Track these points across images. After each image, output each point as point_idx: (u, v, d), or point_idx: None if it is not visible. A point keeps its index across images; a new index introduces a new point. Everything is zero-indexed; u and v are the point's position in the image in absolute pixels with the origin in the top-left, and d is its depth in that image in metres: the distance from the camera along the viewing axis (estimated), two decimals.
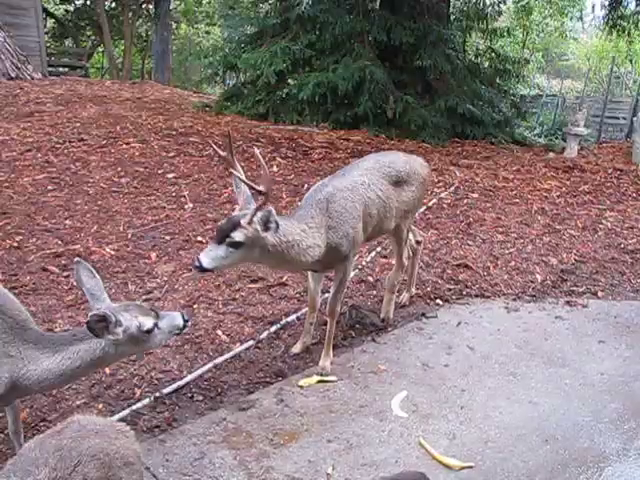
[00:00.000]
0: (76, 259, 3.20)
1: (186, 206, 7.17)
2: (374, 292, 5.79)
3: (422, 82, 13.50)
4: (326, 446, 3.74)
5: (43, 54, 17.59)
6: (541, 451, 3.78)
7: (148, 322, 3.04)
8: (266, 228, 3.78)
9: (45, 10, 21.46)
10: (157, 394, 4.12)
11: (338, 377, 4.41)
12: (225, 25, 18.85)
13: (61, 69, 19.80)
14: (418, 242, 5.59)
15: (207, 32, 30.70)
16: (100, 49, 28.99)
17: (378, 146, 11.29)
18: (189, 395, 4.20)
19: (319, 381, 4.41)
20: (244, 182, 3.82)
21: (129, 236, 6.37)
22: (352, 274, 6.03)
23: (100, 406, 4.02)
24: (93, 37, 28.31)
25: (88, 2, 26.99)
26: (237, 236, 3.71)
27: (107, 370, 4.32)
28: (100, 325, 2.85)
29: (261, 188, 3.74)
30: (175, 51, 27.97)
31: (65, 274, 5.61)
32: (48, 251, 5.98)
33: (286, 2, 14.10)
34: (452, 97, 12.98)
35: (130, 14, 25.49)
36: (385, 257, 6.57)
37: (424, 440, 3.79)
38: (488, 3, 14.99)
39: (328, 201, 4.20)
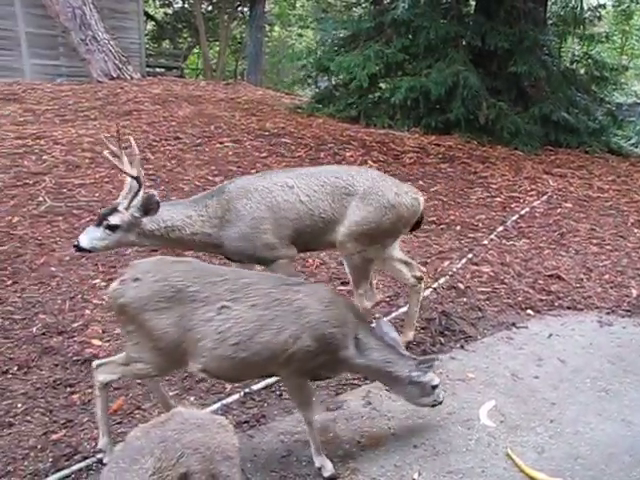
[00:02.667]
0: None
1: None
2: (464, 299, 5.73)
3: (516, 88, 13.23)
4: (412, 451, 3.73)
5: (142, 55, 18.11)
6: (635, 472, 3.65)
7: (436, 379, 3.74)
8: (146, 212, 4.02)
9: (146, 13, 22.08)
10: (247, 390, 4.20)
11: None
12: (318, 28, 18.98)
13: (158, 69, 20.31)
14: (417, 278, 4.86)
15: (300, 35, 30.95)
16: (196, 50, 29.62)
17: (470, 152, 11.17)
18: (278, 393, 4.26)
19: None
20: (117, 167, 4.08)
21: None
22: (442, 280, 6.00)
23: (192, 399, 4.13)
24: (190, 39, 28.95)
25: (186, 5, 27.64)
26: (113, 219, 4.00)
27: None
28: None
29: (132, 172, 4.02)
30: (268, 53, 28.31)
31: None
32: None
33: (380, 6, 14.11)
34: (546, 104, 12.67)
35: (226, 17, 25.94)
36: (476, 264, 6.48)
37: (512, 451, 3.73)
38: (586, 8, 14.59)
39: (232, 195, 4.29)
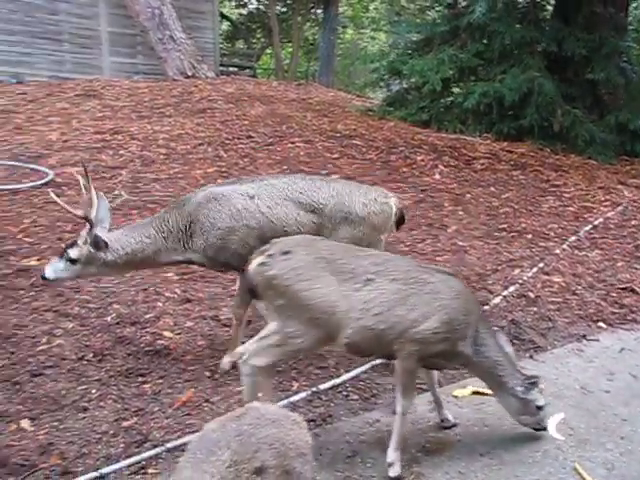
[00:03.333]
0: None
1: None
2: (534, 309, 5.64)
3: (592, 96, 12.95)
4: (478, 459, 3.69)
5: (217, 55, 18.40)
6: None
7: (541, 400, 3.78)
8: (98, 248, 4.09)
9: (221, 13, 22.40)
10: (314, 389, 4.22)
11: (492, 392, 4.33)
12: (391, 31, 18.94)
13: (231, 69, 20.58)
14: None
15: (372, 37, 30.96)
16: (268, 51, 29.94)
17: (542, 160, 10.99)
18: (344, 393, 4.27)
19: (473, 392, 4.36)
20: (64, 208, 4.17)
21: None
22: (512, 288, 5.92)
23: (259, 395, 4.16)
24: (263, 39, 29.28)
25: (261, 6, 27.96)
26: (72, 253, 4.11)
27: None
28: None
29: (78, 212, 4.13)
30: (340, 55, 28.40)
31: None
32: None
33: (455, 9, 14.00)
34: (623, 112, 12.35)
35: (299, 18, 26.13)
36: (547, 274, 6.38)
37: (580, 466, 3.65)
38: None
39: (193, 207, 4.26)
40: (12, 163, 8.03)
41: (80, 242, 4.15)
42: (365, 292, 3.39)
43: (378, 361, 4.56)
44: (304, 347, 3.51)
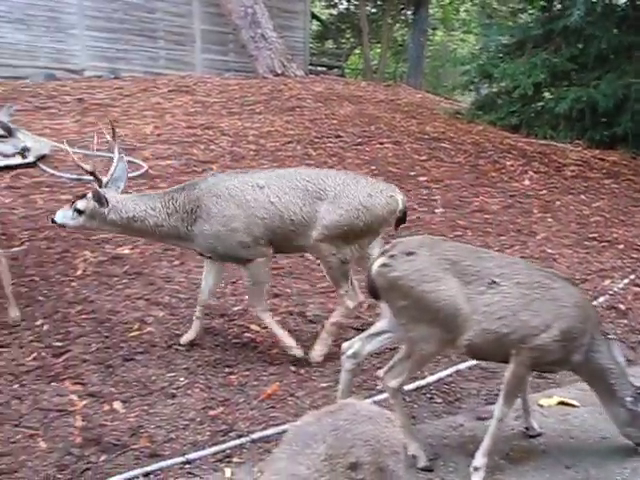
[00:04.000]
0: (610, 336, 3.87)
1: (437, 210, 7.24)
2: (625, 321, 5.49)
3: None
4: (563, 472, 3.61)
5: (306, 54, 18.55)
6: None
7: None
8: (100, 204, 4.33)
9: (312, 13, 22.56)
10: None
11: (580, 403, 4.23)
12: (482, 34, 18.68)
13: (320, 68, 20.70)
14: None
15: (462, 40, 30.62)
16: (357, 51, 29.97)
17: (636, 169, 10.66)
18: (428, 396, 4.26)
19: (559, 402, 4.28)
20: (75, 161, 4.55)
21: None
22: (602, 299, 5.77)
23: (339, 393, 4.18)
24: (352, 40, 29.33)
25: (351, 7, 28.02)
26: (79, 204, 4.41)
27: None
28: None
29: (87, 167, 4.42)
30: (429, 57, 28.18)
31: (319, 262, 5.89)
32: None
33: (550, 13, 13.70)
34: None
35: (389, 19, 26.06)
36: (638, 285, 6.19)
37: None
38: None
39: (203, 192, 4.37)
40: (109, 155, 8.28)
41: (89, 196, 4.39)
42: (489, 295, 3.37)
43: (463, 366, 4.54)
44: (431, 351, 3.52)
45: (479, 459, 3.47)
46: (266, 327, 4.81)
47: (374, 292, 3.56)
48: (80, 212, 4.42)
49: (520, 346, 3.39)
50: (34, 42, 15.23)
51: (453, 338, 3.44)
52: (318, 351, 4.53)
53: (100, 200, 4.34)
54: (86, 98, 11.84)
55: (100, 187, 4.41)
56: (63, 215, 4.49)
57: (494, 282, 3.38)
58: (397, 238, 3.82)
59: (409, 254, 3.41)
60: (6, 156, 5.49)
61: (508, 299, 3.36)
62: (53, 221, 4.55)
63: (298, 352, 4.52)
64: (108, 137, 4.78)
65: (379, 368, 4.40)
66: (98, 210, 4.38)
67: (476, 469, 3.44)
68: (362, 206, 4.34)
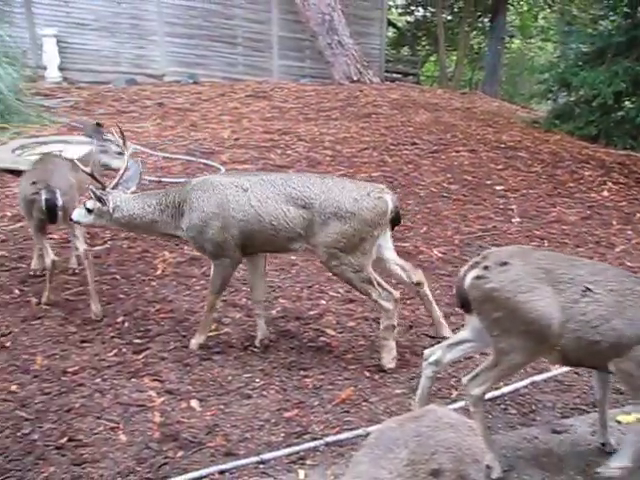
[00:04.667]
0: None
1: (513, 220, 7.15)
2: None
3: None
4: None
5: (382, 61, 18.57)
6: None
7: None
8: (102, 204, 4.59)
9: (388, 20, 22.55)
10: None
11: None
12: (561, 41, 18.36)
13: (395, 75, 20.67)
14: (417, 284, 4.72)
15: (540, 48, 30.11)
16: (432, 58, 29.84)
17: None
18: (503, 407, 4.20)
19: (639, 420, 4.16)
20: (76, 163, 4.87)
21: (456, 241, 6.54)
22: None
23: (417, 399, 4.18)
24: (428, 47, 29.21)
25: (427, 14, 27.90)
26: (88, 204, 4.67)
27: None
28: None
29: (87, 170, 4.74)
30: (506, 65, 27.82)
31: None
32: None
33: (633, 19, 13.35)
34: None
35: (466, 26, 25.85)
36: None
37: None
38: None
39: (192, 187, 4.54)
40: (188, 158, 8.48)
41: (95, 195, 4.62)
42: (583, 303, 3.30)
43: (538, 377, 4.47)
44: (520, 362, 3.49)
45: (619, 462, 3.47)
46: (341, 332, 4.86)
47: (466, 304, 3.51)
48: (89, 211, 4.68)
49: (616, 354, 3.31)
50: (117, 48, 15.80)
51: (545, 347, 3.38)
52: (385, 358, 4.51)
53: (100, 199, 4.58)
54: (166, 102, 12.15)
55: (104, 189, 4.67)
56: (78, 214, 4.77)
57: (588, 289, 3.31)
58: (487, 250, 3.74)
59: (503, 264, 3.36)
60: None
61: (602, 307, 3.29)
62: (70, 219, 4.83)
63: (194, 344, 4.65)
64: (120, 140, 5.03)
65: (454, 377, 4.41)
66: (103, 209, 4.62)
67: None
68: (349, 213, 4.28)
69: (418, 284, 4.71)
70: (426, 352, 3.79)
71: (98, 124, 5.86)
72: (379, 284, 4.50)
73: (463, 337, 3.72)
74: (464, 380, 3.62)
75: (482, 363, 3.61)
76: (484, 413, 3.68)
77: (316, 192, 4.33)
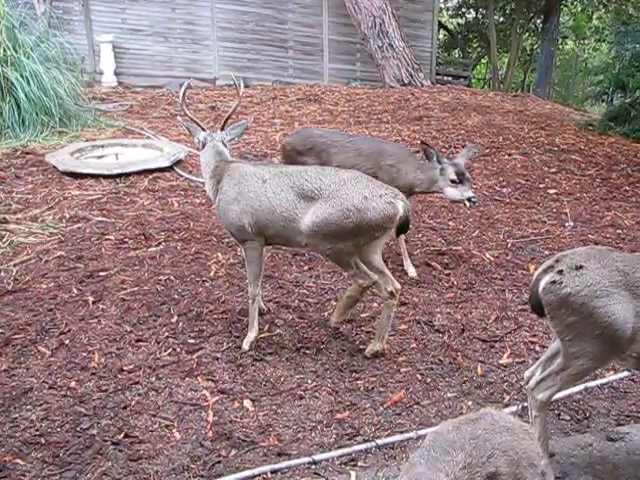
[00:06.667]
0: None
1: (567, 224, 7.06)
2: None
3: None
4: None
5: (433, 63, 18.48)
6: None
7: None
8: (203, 145, 4.96)
9: (439, 23, 22.47)
10: (525, 404, 4.14)
11: None
12: (616, 42, 18.04)
13: (446, 78, 20.56)
14: (390, 293, 4.55)
15: (595, 49, 29.65)
16: (483, 61, 29.60)
17: None
18: (556, 412, 4.16)
19: None
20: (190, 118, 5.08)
21: (509, 245, 6.49)
22: None
23: (469, 403, 4.17)
24: (479, 49, 29.00)
25: (479, 16, 27.70)
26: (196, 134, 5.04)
27: (479, 371, 4.49)
28: None
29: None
30: (559, 66, 27.45)
31: (447, 272, 5.90)
32: (432, 248, 6.36)
33: None
34: None
35: (518, 28, 25.59)
36: None
37: None
38: None
39: (226, 169, 4.74)
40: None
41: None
42: None
43: (593, 383, 4.41)
44: (589, 368, 3.43)
45: None
46: (393, 335, 4.86)
47: (539, 309, 3.44)
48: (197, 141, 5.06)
49: None
50: (170, 53, 16.08)
51: (618, 353, 3.33)
52: (335, 318, 4.78)
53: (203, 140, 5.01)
54: (218, 106, 12.29)
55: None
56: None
57: None
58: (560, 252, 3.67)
59: (578, 268, 3.28)
60: (454, 201, 5.93)
61: None
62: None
63: (246, 344, 4.71)
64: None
65: (506, 381, 4.39)
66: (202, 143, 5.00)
67: None
68: (354, 207, 4.26)
69: (391, 294, 4.55)
70: (526, 374, 3.75)
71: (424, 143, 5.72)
72: (358, 266, 4.49)
73: (556, 348, 3.61)
74: (531, 384, 3.58)
75: (547, 367, 3.58)
76: (545, 418, 3.65)
77: (327, 183, 4.37)
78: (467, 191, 5.47)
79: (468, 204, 5.55)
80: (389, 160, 5.67)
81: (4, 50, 9.35)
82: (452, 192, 5.51)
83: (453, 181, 5.45)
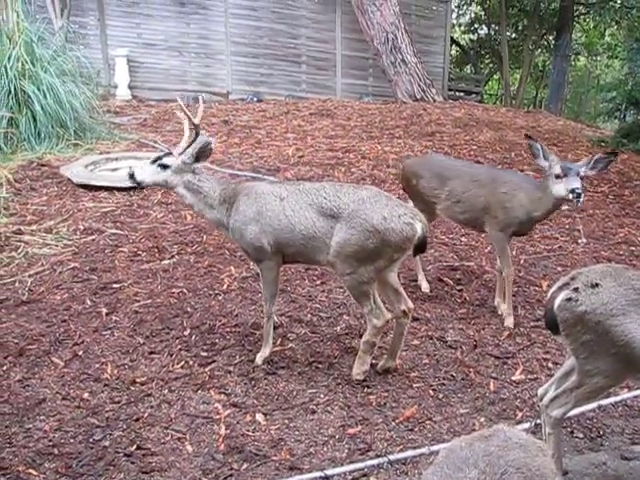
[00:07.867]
0: None
1: (580, 240, 7.05)
2: None
3: None
4: None
5: (445, 79, 18.59)
6: None
7: None
8: (197, 159, 4.68)
9: (451, 38, 22.55)
10: (538, 421, 4.13)
11: None
12: (629, 58, 18.03)
13: (458, 93, 20.62)
14: (403, 312, 4.58)
15: (607, 65, 29.63)
16: (495, 76, 29.65)
17: None
18: (569, 430, 4.14)
19: None
20: (185, 114, 4.76)
21: (521, 261, 6.48)
22: None
23: (482, 420, 4.16)
24: (491, 65, 29.06)
25: (492, 32, 27.77)
26: (166, 160, 4.68)
27: (492, 387, 4.47)
28: None
29: (195, 120, 4.68)
30: (571, 83, 27.46)
31: (459, 287, 5.90)
32: (445, 264, 6.36)
33: None
34: None
35: (530, 44, 25.64)
36: None
37: None
38: None
39: (241, 189, 4.70)
40: (253, 174, 8.60)
41: (175, 152, 4.76)
42: None
43: (606, 401, 4.39)
44: (604, 386, 3.41)
45: None
46: (406, 350, 4.86)
47: (554, 326, 3.42)
48: (165, 167, 4.71)
49: None
50: (184, 67, 16.21)
51: (634, 371, 3.31)
52: (356, 369, 4.57)
53: (205, 150, 4.73)
54: (231, 119, 12.36)
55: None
56: (143, 172, 4.78)
57: None
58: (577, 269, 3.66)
59: (594, 286, 3.26)
60: (558, 199, 5.06)
61: None
62: (131, 176, 4.78)
63: (259, 359, 4.72)
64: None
65: (519, 398, 4.38)
66: (184, 168, 4.73)
67: None
68: (374, 229, 4.23)
69: (404, 313, 4.58)
70: (540, 391, 3.75)
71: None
72: (375, 301, 4.49)
73: (571, 365, 3.59)
74: (545, 401, 3.57)
75: (561, 384, 3.57)
76: (560, 436, 3.64)
77: (346, 202, 4.34)
78: (572, 183, 4.82)
79: (572, 197, 4.85)
80: (502, 188, 5.30)
81: (22, 64, 9.45)
82: (558, 189, 4.91)
83: (558, 176, 4.90)
